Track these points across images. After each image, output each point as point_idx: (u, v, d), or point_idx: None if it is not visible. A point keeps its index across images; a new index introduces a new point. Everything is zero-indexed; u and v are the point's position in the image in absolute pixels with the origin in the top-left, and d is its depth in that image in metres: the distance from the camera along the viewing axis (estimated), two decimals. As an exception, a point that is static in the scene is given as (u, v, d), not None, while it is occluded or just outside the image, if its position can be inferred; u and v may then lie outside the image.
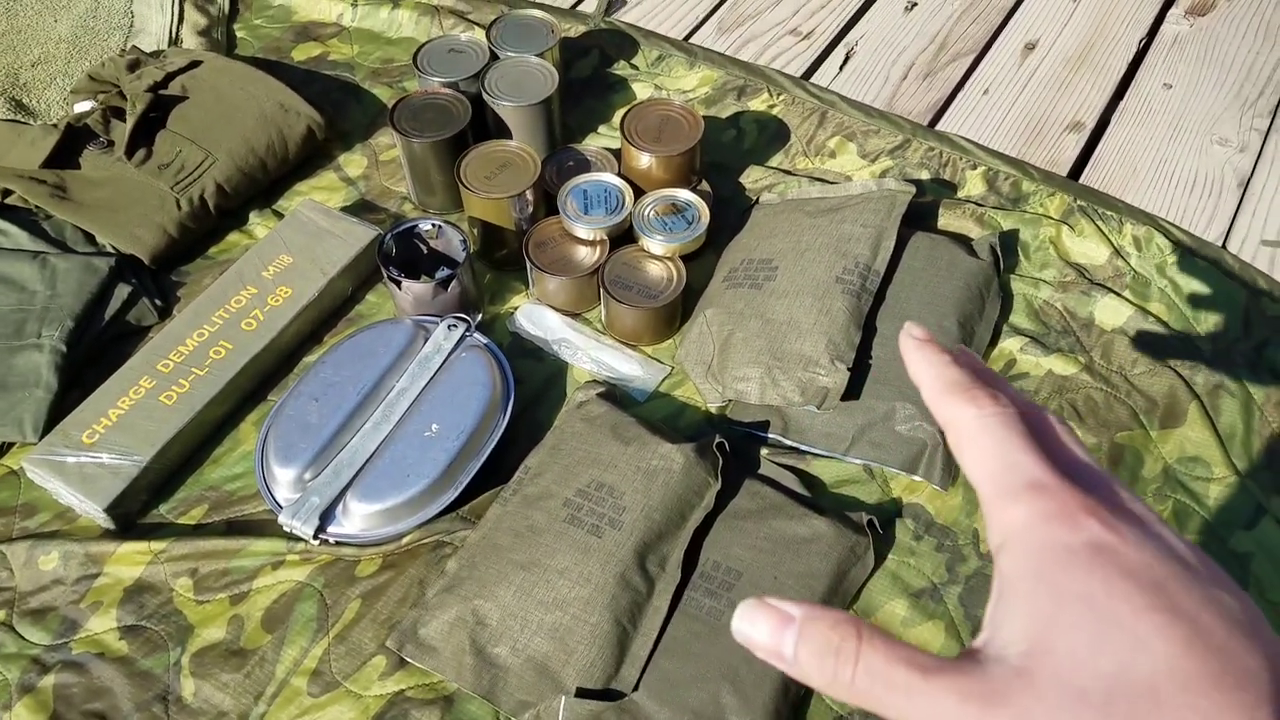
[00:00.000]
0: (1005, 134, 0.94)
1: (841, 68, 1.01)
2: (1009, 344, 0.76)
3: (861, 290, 0.73)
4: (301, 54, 1.01)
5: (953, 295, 0.75)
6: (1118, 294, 0.79)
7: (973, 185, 0.87)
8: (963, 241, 0.80)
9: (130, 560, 0.65)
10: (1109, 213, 0.84)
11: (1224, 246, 0.84)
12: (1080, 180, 0.90)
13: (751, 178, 0.88)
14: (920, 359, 0.28)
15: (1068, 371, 0.74)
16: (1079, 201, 0.85)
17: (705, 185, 0.85)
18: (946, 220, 0.84)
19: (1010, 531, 0.23)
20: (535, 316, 0.79)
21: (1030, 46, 1.03)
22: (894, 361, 0.71)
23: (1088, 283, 0.80)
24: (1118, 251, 0.82)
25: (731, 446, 0.68)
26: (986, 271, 0.77)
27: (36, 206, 0.82)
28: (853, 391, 0.70)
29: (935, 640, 0.62)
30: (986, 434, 0.25)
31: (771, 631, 0.24)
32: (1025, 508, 0.23)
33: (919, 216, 0.83)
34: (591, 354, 0.77)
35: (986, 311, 0.76)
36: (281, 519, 0.65)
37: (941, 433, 0.68)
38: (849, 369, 0.69)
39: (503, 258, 0.82)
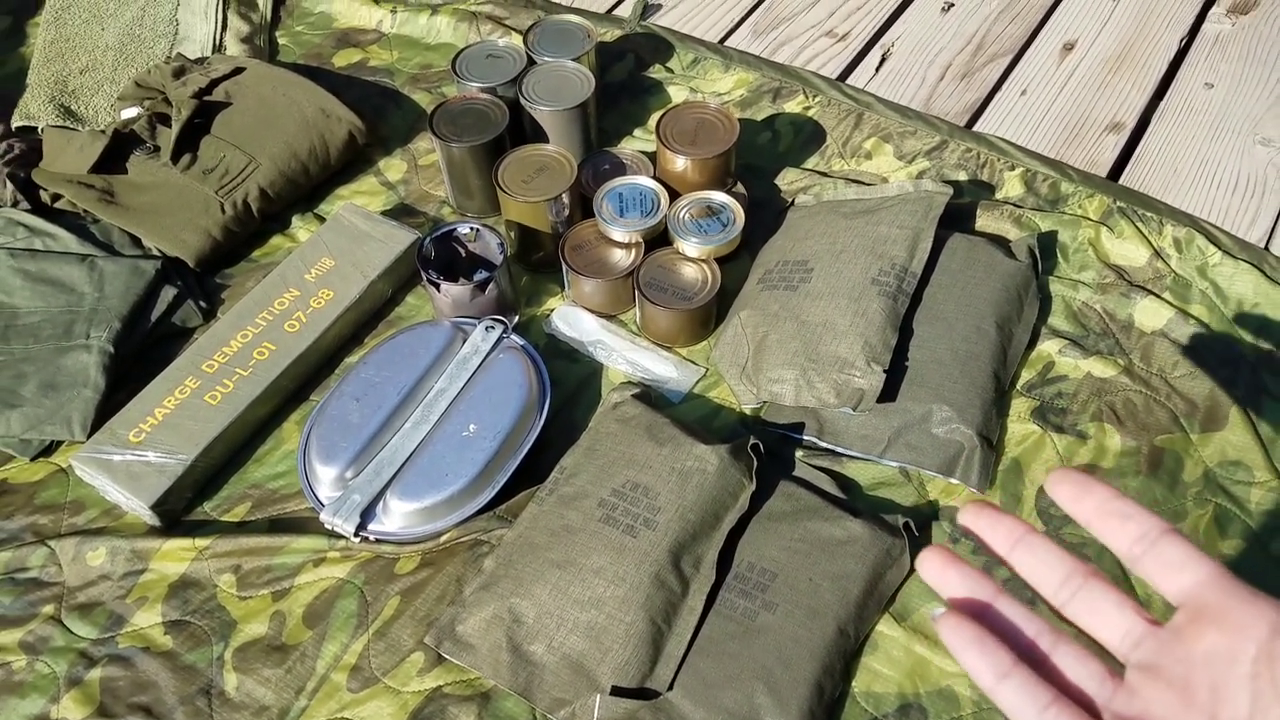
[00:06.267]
0: (1043, 135, 0.94)
1: (878, 69, 1.01)
2: (1047, 346, 0.75)
3: (898, 292, 0.72)
4: (342, 60, 1.02)
5: (990, 297, 0.74)
6: (1158, 296, 0.78)
7: (1011, 186, 0.87)
8: (1000, 243, 0.80)
9: (175, 556, 0.67)
10: (1149, 214, 0.83)
11: (1266, 249, 0.82)
12: (1120, 181, 0.89)
13: (787, 180, 0.88)
14: (1086, 489, 0.34)
15: (1107, 374, 0.74)
16: (1118, 203, 0.84)
17: (740, 187, 0.85)
18: (984, 222, 0.83)
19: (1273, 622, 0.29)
20: (571, 318, 0.79)
21: (1069, 46, 1.02)
22: (930, 364, 0.71)
23: (1127, 284, 0.79)
24: (1158, 253, 0.81)
25: (766, 448, 0.68)
26: (1025, 273, 0.77)
27: (85, 210, 0.84)
28: (888, 394, 0.70)
29: (972, 644, 0.62)
30: (1179, 542, 0.32)
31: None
32: (1273, 609, 0.30)
33: (956, 218, 0.82)
34: (626, 355, 0.77)
35: (1025, 314, 0.76)
36: (323, 516, 0.66)
37: (980, 435, 0.68)
38: (885, 371, 0.69)
39: (539, 260, 0.82)
